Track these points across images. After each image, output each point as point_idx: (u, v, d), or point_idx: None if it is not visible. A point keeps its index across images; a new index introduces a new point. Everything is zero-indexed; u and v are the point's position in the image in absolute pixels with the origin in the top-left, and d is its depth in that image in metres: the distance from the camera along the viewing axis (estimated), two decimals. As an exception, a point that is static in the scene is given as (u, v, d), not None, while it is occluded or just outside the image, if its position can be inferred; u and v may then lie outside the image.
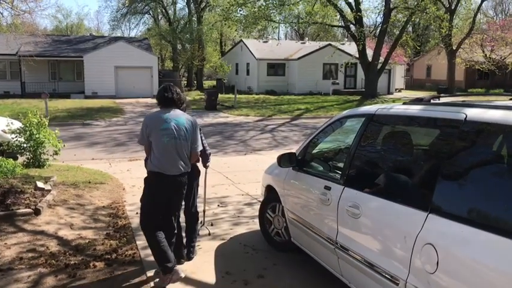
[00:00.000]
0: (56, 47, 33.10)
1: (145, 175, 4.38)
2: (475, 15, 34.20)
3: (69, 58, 31.69)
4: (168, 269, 4.22)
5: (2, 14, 17.08)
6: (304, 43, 40.04)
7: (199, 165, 4.94)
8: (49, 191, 6.95)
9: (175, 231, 4.51)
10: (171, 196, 4.32)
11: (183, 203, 4.79)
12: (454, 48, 34.17)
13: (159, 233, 4.25)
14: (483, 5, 36.41)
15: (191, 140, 4.34)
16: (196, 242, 5.12)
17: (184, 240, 4.98)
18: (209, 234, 5.72)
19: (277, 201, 5.22)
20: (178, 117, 4.30)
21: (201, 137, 4.70)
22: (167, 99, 4.34)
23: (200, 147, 4.48)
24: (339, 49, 32.51)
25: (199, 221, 5.19)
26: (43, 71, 31.52)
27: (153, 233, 4.23)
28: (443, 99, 3.72)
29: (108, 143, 13.89)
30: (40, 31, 33.05)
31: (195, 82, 44.86)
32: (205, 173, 5.36)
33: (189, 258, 4.95)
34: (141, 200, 4.42)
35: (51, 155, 9.14)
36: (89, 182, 8.03)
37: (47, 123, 9.17)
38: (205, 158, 5.03)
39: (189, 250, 4.99)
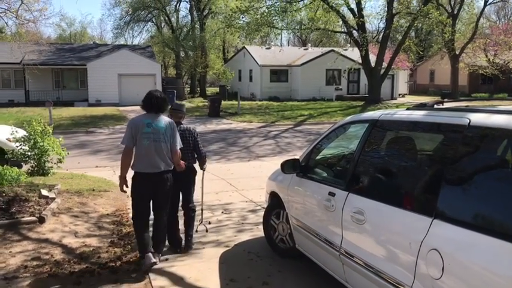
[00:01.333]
0: (60, 55, 33.31)
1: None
2: (478, 19, 34.22)
3: (73, 66, 31.88)
4: (142, 254, 4.84)
5: (6, 23, 17.23)
6: (307, 49, 40.13)
7: (196, 166, 5.57)
8: (53, 199, 6.98)
9: (165, 224, 5.12)
10: (155, 192, 4.94)
11: (182, 197, 5.53)
12: (457, 53, 34.17)
13: (143, 225, 4.93)
14: (486, 9, 36.51)
15: (170, 140, 4.94)
16: (193, 233, 5.61)
17: (183, 236, 5.53)
18: (207, 230, 6.10)
19: (281, 207, 5.21)
20: (159, 121, 4.92)
21: (197, 141, 5.53)
22: (150, 105, 4.95)
23: (178, 146, 5.02)
24: (342, 55, 32.58)
25: (195, 213, 5.68)
26: (47, 79, 31.71)
27: (138, 223, 4.93)
28: (446, 104, 3.73)
29: (111, 150, 13.94)
30: (44, 40, 33.23)
31: (198, 89, 44.97)
32: (203, 174, 5.89)
33: (189, 248, 5.44)
34: (131, 196, 5.02)
35: (55, 163, 9.18)
36: (93, 190, 8.06)
37: (51, 131, 9.22)
38: (201, 159, 5.61)
39: (187, 239, 5.47)
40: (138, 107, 5.61)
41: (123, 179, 4.95)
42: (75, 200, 7.34)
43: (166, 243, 5.40)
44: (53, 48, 33.91)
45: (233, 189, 8.73)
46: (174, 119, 5.66)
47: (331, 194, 4.02)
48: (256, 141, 15.92)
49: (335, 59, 30.20)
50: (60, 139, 9.44)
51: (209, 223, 6.36)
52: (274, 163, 10.97)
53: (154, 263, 4.82)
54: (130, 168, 4.91)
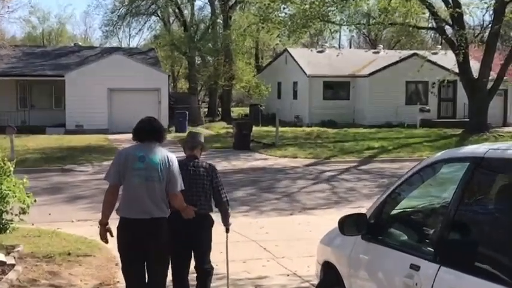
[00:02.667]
0: (28, 62, 34.62)
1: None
2: None
3: (46, 78, 33.01)
4: None
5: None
6: (377, 52, 40.20)
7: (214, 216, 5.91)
8: (12, 266, 7.10)
9: None
10: (146, 245, 5.29)
11: (194, 256, 5.89)
12: None
13: None
14: None
15: (167, 180, 5.32)
16: None
17: None
18: None
19: (339, 285, 5.14)
20: (154, 154, 5.33)
21: (216, 182, 5.92)
22: (143, 133, 5.41)
23: (179, 188, 5.38)
24: (430, 61, 32.36)
25: (211, 277, 5.98)
26: (9, 95, 32.85)
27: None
28: None
29: (96, 197, 14.09)
30: (6, 41, 34.70)
31: (220, 110, 45.56)
32: (226, 236, 6.26)
33: None
34: (118, 251, 5.40)
35: (16, 215, 9.35)
36: (69, 254, 8.16)
37: (12, 169, 9.44)
38: (221, 209, 5.99)
39: None
40: None
41: (103, 226, 5.39)
42: (43, 268, 7.43)
43: None
44: (18, 53, 35.24)
45: (268, 256, 8.66)
46: (187, 153, 5.97)
47: (415, 268, 3.97)
48: (303, 186, 15.85)
49: (420, 66, 30.01)
50: (25, 180, 9.64)
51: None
52: (329, 219, 10.80)
53: None
54: (115, 212, 5.29)
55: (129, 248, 5.33)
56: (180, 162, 5.78)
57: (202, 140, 6.24)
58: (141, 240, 5.29)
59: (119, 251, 5.42)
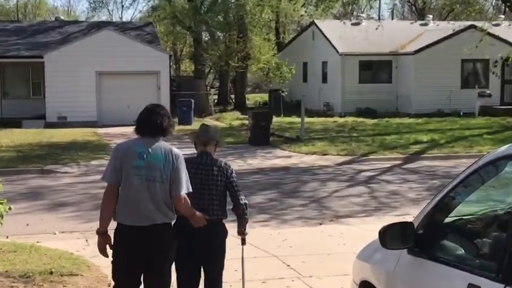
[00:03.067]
0: None
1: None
2: None
3: (21, 59, 33.21)
4: None
5: None
6: (426, 24, 39.97)
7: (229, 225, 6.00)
8: (-17, 287, 7.16)
9: None
10: (147, 256, 5.42)
11: (203, 275, 6.05)
12: None
13: None
14: None
15: (171, 180, 5.45)
16: None
17: None
18: None
19: (380, 310, 5.16)
20: (156, 150, 5.47)
21: (232, 184, 6.06)
22: (144, 125, 5.54)
23: (184, 189, 5.48)
24: (490, 34, 32.14)
25: None
26: (-23, 81, 33.13)
27: None
28: None
29: (83, 203, 14.21)
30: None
31: (233, 97, 45.54)
32: (242, 249, 6.28)
33: None
34: (111, 261, 5.52)
35: (-13, 226, 9.47)
36: (51, 273, 8.18)
37: (-18, 170, 9.55)
38: (238, 213, 6.08)
39: None
40: (130, 128, 5.92)
41: (102, 235, 5.49)
42: (19, 290, 7.48)
43: None
44: (-13, 29, 35.50)
45: (293, 274, 8.65)
46: (199, 149, 6.13)
47: (474, 288, 3.94)
48: (335, 189, 15.84)
49: (478, 41, 29.82)
50: (-3, 184, 9.75)
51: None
52: (367, 229, 10.79)
53: None
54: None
55: (124, 260, 5.45)
56: (190, 160, 5.99)
57: (217, 134, 6.35)
58: (140, 250, 5.40)
59: (113, 259, 5.54)
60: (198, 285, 6.18)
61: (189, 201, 5.57)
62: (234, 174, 6.15)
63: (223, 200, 6.06)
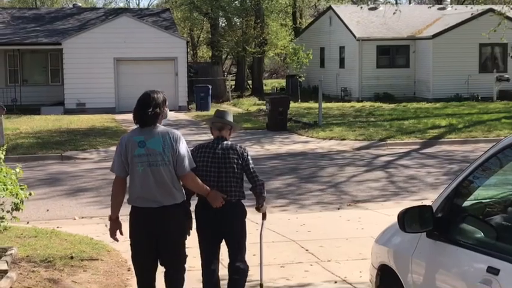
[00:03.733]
0: (18, 28, 34.93)
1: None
2: None
3: (40, 46, 33.29)
4: None
5: None
6: (443, 8, 39.61)
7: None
8: (5, 272, 7.22)
9: (182, 285, 6.00)
10: (158, 236, 5.85)
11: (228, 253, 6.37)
12: None
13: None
14: None
15: (174, 160, 5.80)
16: None
17: None
18: None
19: (399, 293, 5.19)
20: (154, 136, 5.82)
21: (248, 165, 6.31)
22: (142, 116, 5.84)
23: (187, 168, 5.86)
24: (509, 18, 31.83)
25: (245, 278, 6.36)
26: (-3, 68, 33.23)
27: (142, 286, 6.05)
28: None
29: (102, 189, 14.27)
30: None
31: (250, 82, 45.50)
32: (262, 224, 6.60)
33: None
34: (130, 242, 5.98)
35: (8, 211, 9.50)
36: (71, 258, 8.25)
37: (2, 157, 9.59)
38: (255, 192, 6.33)
39: None
40: None
41: (113, 222, 6.01)
42: (41, 274, 7.53)
43: None
44: (6, 17, 35.68)
45: (311, 259, 8.65)
46: (215, 134, 6.39)
47: (493, 271, 3.96)
48: (353, 174, 15.82)
49: (497, 25, 29.54)
50: (18, 170, 9.79)
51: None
52: (386, 214, 10.78)
53: None
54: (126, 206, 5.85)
55: (139, 238, 5.89)
56: (206, 145, 6.37)
57: (231, 119, 6.53)
58: (152, 230, 5.84)
59: (130, 239, 5.96)
60: (218, 265, 6.41)
61: (197, 178, 5.96)
62: (249, 157, 6.35)
63: (241, 181, 6.28)
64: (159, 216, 5.79)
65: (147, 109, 5.80)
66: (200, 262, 6.43)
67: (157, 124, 5.87)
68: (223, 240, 6.36)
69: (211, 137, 6.49)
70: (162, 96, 5.95)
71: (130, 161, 5.81)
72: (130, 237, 5.96)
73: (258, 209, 6.38)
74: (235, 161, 6.21)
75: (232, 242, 6.34)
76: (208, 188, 6.03)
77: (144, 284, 6.04)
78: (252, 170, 6.31)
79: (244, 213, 6.36)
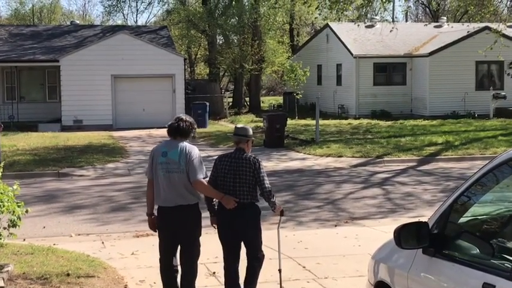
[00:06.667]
0: (15, 45, 35.06)
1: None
2: None
3: (37, 63, 33.40)
4: None
5: None
6: (440, 26, 39.84)
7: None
8: (1, 289, 7.21)
9: (193, 275, 7.39)
10: (175, 230, 7.31)
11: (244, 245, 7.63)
12: None
13: (168, 277, 7.44)
14: None
15: (187, 169, 7.15)
16: None
17: None
18: None
19: (396, 310, 5.17)
20: (174, 148, 7.25)
21: (259, 174, 7.46)
22: (171, 130, 7.31)
23: (200, 176, 7.19)
24: (505, 35, 31.98)
25: (261, 264, 7.58)
26: (-6, 85, 33.26)
27: (162, 274, 7.48)
28: None
29: (99, 206, 14.30)
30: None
31: (247, 99, 45.58)
32: (279, 220, 8.06)
33: None
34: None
35: (4, 228, 9.49)
36: (68, 275, 8.27)
37: (-1, 173, 9.60)
38: (264, 198, 7.48)
39: None
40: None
41: (149, 217, 7.57)
42: (37, 291, 7.54)
43: None
44: (3, 34, 35.77)
45: (308, 276, 8.70)
46: (235, 146, 7.75)
47: (488, 287, 3.96)
48: (350, 191, 15.85)
49: (492, 43, 29.68)
50: (15, 187, 9.78)
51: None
52: (382, 231, 10.80)
53: None
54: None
55: (162, 232, 7.40)
56: (227, 155, 7.74)
57: (249, 133, 7.74)
58: (171, 225, 7.29)
59: (157, 230, 7.52)
60: (239, 258, 7.64)
61: (206, 185, 7.35)
62: (261, 167, 7.51)
63: (253, 186, 7.47)
64: (175, 213, 7.20)
65: (179, 122, 7.25)
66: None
67: (183, 139, 7.29)
68: (240, 235, 7.51)
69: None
70: (190, 121, 7.40)
71: (155, 167, 7.29)
72: (157, 228, 7.44)
73: (273, 211, 7.68)
74: (248, 169, 7.43)
75: (244, 235, 7.48)
76: (220, 193, 7.36)
77: (166, 261, 7.40)
78: (260, 179, 7.45)
79: (258, 212, 7.58)
